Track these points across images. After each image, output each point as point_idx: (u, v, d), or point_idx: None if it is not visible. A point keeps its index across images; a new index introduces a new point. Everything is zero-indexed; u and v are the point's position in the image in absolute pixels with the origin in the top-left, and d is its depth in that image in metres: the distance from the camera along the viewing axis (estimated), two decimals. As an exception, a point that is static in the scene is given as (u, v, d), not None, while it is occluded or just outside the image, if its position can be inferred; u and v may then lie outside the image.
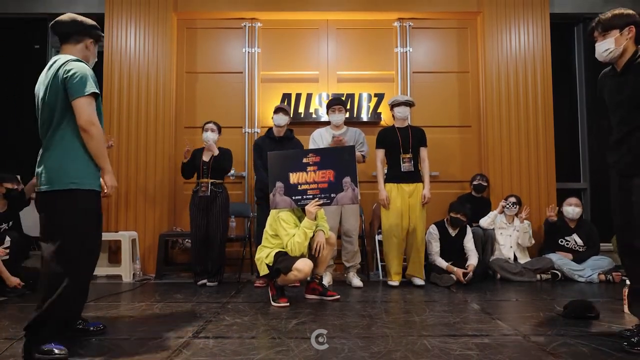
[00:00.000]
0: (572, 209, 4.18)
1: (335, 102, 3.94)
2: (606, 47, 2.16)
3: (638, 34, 2.12)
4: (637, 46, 2.14)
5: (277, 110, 3.95)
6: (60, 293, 1.98)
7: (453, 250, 3.98)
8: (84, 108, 2.05)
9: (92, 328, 2.34)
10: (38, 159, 2.13)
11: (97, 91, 2.11)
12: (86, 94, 2.06)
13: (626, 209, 2.11)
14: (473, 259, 3.92)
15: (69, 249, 2.03)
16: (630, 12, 2.15)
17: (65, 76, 2.07)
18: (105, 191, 2.20)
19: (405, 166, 3.77)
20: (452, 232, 4.00)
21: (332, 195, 3.16)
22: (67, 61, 2.11)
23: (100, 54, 4.60)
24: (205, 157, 3.95)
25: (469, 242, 4.00)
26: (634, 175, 2.09)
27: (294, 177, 3.17)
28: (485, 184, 4.53)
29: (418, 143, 3.85)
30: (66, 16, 2.25)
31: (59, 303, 1.98)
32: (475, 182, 4.55)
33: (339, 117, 3.91)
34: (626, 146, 2.12)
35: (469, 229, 4.06)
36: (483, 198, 4.61)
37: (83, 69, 2.11)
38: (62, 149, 2.07)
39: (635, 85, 2.09)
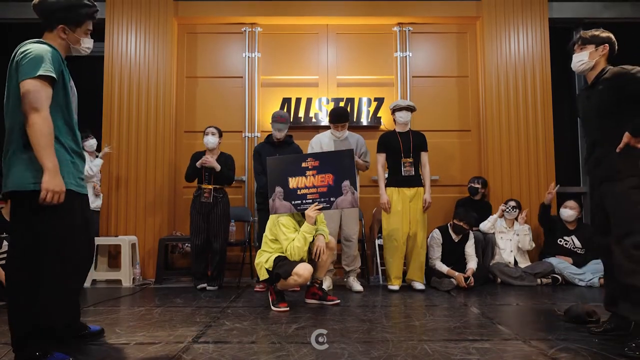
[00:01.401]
0: (566, 212, 4.21)
1: (339, 119, 3.80)
2: (580, 58, 2.42)
3: (611, 54, 2.39)
4: (607, 64, 2.40)
5: (275, 123, 3.89)
6: (42, 302, 1.83)
7: (454, 255, 3.98)
8: (29, 90, 1.77)
9: (92, 332, 2.29)
10: (2, 157, 1.91)
11: (51, 74, 1.82)
12: (34, 75, 1.77)
13: (601, 212, 2.34)
14: (472, 264, 3.93)
15: (42, 254, 1.83)
16: (608, 34, 2.41)
17: (17, 58, 1.82)
18: (41, 195, 1.78)
19: (406, 170, 3.77)
20: (455, 238, 4.00)
21: (332, 199, 3.16)
22: (25, 43, 1.89)
23: (100, 59, 4.69)
24: (208, 163, 3.95)
25: (469, 248, 4.00)
26: (603, 181, 2.30)
27: (293, 182, 3.17)
28: (478, 185, 4.54)
29: (419, 147, 3.85)
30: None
31: (45, 312, 1.84)
32: (469, 185, 4.58)
33: (342, 133, 3.87)
34: (593, 157, 2.35)
35: (471, 235, 4.06)
36: (482, 202, 4.61)
37: (39, 49, 1.83)
38: (25, 147, 1.83)
39: (600, 97, 2.32)
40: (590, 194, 2.47)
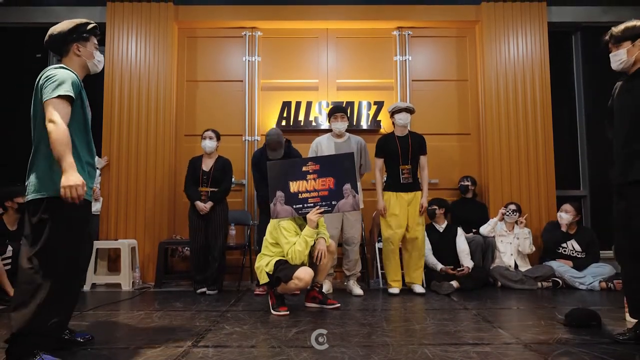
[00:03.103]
0: (559, 215, 4.22)
1: (337, 110, 3.94)
2: (619, 57, 2.32)
3: None
4: None
5: (270, 151, 3.82)
6: (41, 303, 1.91)
7: (446, 250, 4.08)
8: (50, 108, 1.98)
9: (79, 339, 2.28)
10: (27, 170, 2.09)
11: (70, 94, 2.02)
12: (54, 96, 1.98)
13: (623, 216, 2.29)
14: (466, 262, 4.02)
15: (49, 257, 1.96)
16: None
17: (42, 82, 2.04)
18: (61, 192, 1.92)
19: (405, 178, 3.77)
20: (439, 228, 4.14)
21: (333, 202, 3.16)
22: (50, 68, 2.10)
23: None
24: (205, 167, 3.96)
25: (462, 244, 4.10)
26: (633, 183, 2.23)
27: (294, 186, 3.17)
28: (468, 183, 4.62)
29: (418, 151, 3.86)
30: (47, 34, 2.22)
31: (40, 313, 1.91)
32: (459, 184, 4.68)
33: (342, 125, 3.91)
34: (625, 154, 2.26)
35: (460, 230, 4.16)
36: (475, 200, 4.66)
37: (62, 74, 2.06)
38: (47, 157, 2.02)
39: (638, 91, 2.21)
40: (617, 193, 2.33)
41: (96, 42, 2.32)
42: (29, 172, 2.09)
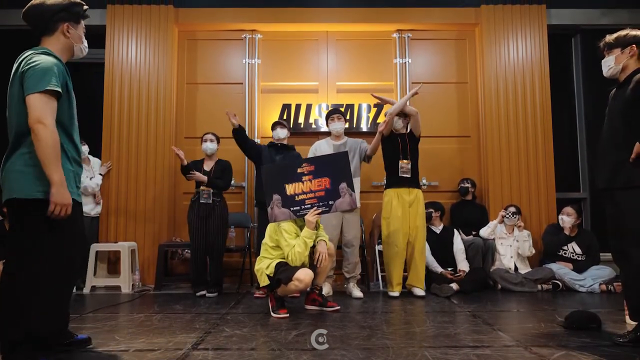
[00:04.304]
0: (561, 218, 4.21)
1: (335, 112, 4.00)
2: (607, 63, 2.39)
3: None
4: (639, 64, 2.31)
5: (274, 125, 4.01)
6: (32, 311, 1.83)
7: (441, 248, 4.14)
8: (36, 105, 1.79)
9: (79, 341, 2.24)
10: (2, 165, 1.92)
11: (56, 89, 1.84)
12: (40, 90, 1.79)
13: (614, 220, 2.34)
14: (462, 265, 4.06)
15: (34, 262, 1.84)
16: (634, 33, 2.33)
17: (24, 69, 1.84)
18: (49, 208, 1.81)
19: (403, 172, 3.79)
20: (436, 230, 4.21)
21: (330, 202, 3.16)
22: (31, 54, 1.89)
23: (101, 65, 4.70)
24: (207, 167, 3.97)
25: (459, 244, 4.17)
26: (619, 188, 2.29)
27: (290, 189, 3.17)
28: (468, 185, 4.63)
29: (416, 145, 3.89)
30: (29, 5, 1.97)
31: (35, 321, 1.84)
32: (459, 187, 4.69)
33: (339, 125, 3.93)
34: (610, 160, 2.32)
35: (456, 233, 4.21)
36: (474, 202, 4.66)
37: (46, 62, 1.85)
38: (26, 154, 1.85)
39: (623, 98, 2.28)
40: (608, 196, 2.38)
41: (84, 27, 2.14)
42: (4, 168, 1.90)
